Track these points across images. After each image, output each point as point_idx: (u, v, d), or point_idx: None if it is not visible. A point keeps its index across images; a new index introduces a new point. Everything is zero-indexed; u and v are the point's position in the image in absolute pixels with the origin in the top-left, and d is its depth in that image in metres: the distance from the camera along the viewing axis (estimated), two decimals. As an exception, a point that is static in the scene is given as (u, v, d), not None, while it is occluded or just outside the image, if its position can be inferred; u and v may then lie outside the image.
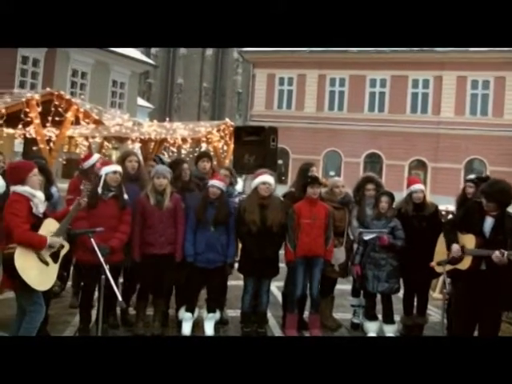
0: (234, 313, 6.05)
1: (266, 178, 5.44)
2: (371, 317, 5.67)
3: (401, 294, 5.80)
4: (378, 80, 26.27)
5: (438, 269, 4.69)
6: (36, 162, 4.76)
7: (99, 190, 4.86)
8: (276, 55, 26.06)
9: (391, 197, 5.63)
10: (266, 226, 5.29)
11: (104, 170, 4.95)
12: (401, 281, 5.65)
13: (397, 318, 5.73)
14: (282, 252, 5.57)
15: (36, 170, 4.22)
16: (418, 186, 5.61)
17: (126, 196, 5.06)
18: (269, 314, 5.84)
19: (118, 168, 5.04)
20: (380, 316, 5.71)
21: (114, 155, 17.05)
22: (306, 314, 5.71)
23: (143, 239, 5.19)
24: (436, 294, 7.19)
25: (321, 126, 26.25)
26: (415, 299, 5.72)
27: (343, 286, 6.47)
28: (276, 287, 6.71)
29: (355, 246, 5.77)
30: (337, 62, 25.91)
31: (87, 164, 5.73)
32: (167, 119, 13.29)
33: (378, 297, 5.70)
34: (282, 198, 5.90)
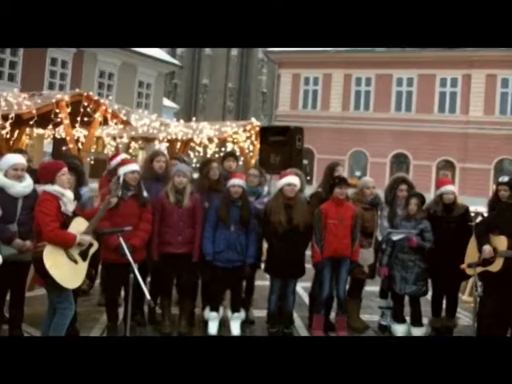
0: (260, 313, 6.04)
1: (291, 179, 5.40)
2: (399, 319, 5.60)
3: (429, 296, 5.71)
4: (405, 79, 25.96)
5: (469, 271, 4.61)
6: (69, 163, 4.84)
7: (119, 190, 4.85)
8: (301, 55, 26.01)
9: (421, 198, 5.55)
10: (292, 227, 5.26)
11: (122, 170, 4.96)
12: (429, 283, 5.58)
13: (425, 320, 5.65)
14: (308, 253, 5.55)
15: (65, 170, 4.28)
16: (450, 188, 5.52)
17: (145, 194, 5.08)
18: (295, 315, 5.81)
19: (136, 167, 5.05)
20: (408, 318, 5.63)
21: (141, 155, 17.25)
22: (333, 315, 5.67)
23: (161, 238, 5.21)
24: (466, 297, 7.06)
25: (346, 125, 26.08)
26: (444, 301, 5.63)
27: (370, 288, 6.40)
28: (302, 288, 6.68)
29: (383, 246, 5.71)
30: (363, 62, 25.71)
31: (114, 163, 5.81)
32: (193, 119, 13.34)
33: (406, 298, 5.62)
34: (308, 199, 5.88)
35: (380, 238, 5.82)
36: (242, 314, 5.44)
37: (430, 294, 5.67)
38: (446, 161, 25.39)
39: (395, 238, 5.48)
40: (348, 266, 5.43)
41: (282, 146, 8.64)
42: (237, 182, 5.28)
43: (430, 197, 5.92)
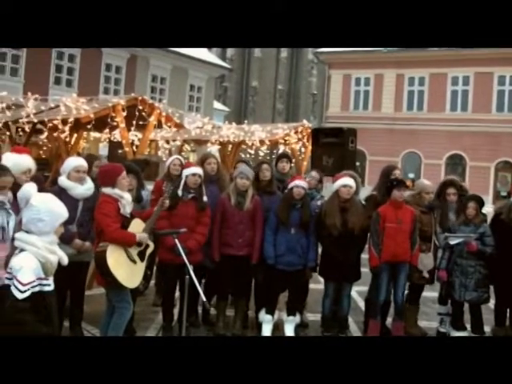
0: (313, 317, 5.97)
1: (347, 180, 5.32)
2: (459, 326, 5.40)
3: (492, 303, 5.47)
4: (461, 77, 25.15)
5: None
6: (130, 166, 4.94)
7: (179, 191, 4.94)
8: (352, 55, 25.69)
9: (479, 201, 5.33)
10: (347, 230, 5.17)
11: (184, 172, 5.04)
12: (491, 290, 5.34)
13: (487, 328, 5.41)
14: (364, 256, 5.43)
15: (124, 173, 4.38)
16: None
17: (205, 198, 5.12)
18: (349, 320, 5.71)
19: (199, 170, 5.11)
20: (468, 326, 5.41)
21: (192, 158, 17.49)
22: (389, 320, 5.52)
23: (222, 240, 5.23)
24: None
25: (399, 126, 25.53)
26: (508, 310, 5.38)
27: (428, 293, 6.20)
28: (356, 292, 6.55)
29: (440, 251, 5.53)
30: (416, 61, 25.10)
31: (167, 165, 5.92)
32: (245, 122, 13.40)
33: (467, 305, 5.41)
34: (363, 202, 5.76)
35: (437, 243, 5.62)
36: (296, 318, 5.39)
37: (493, 301, 5.44)
38: (506, 162, 24.37)
39: (453, 242, 5.30)
40: (407, 270, 5.28)
41: (334, 147, 8.51)
42: (301, 183, 5.24)
43: (488, 199, 5.68)
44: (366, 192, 6.41)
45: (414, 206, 5.48)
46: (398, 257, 5.19)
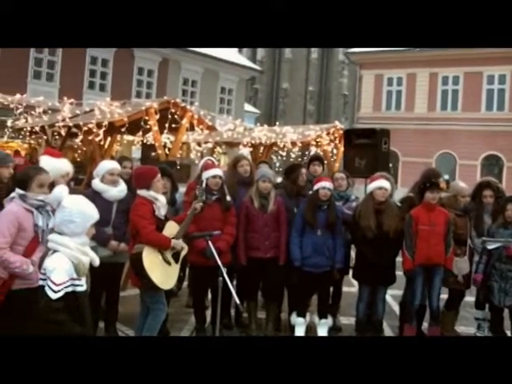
0: (346, 320, 5.90)
1: (382, 182, 5.24)
2: (498, 333, 5.24)
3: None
4: (497, 76, 24.48)
5: None
6: (164, 169, 4.98)
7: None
8: (384, 55, 25.32)
9: None
10: (382, 232, 5.09)
11: (204, 175, 5.03)
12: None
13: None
14: (398, 259, 5.33)
15: (159, 176, 4.42)
16: None
17: (228, 198, 5.11)
18: (384, 324, 5.62)
19: (218, 172, 5.09)
20: (508, 332, 5.25)
21: (223, 160, 17.57)
22: (425, 325, 5.41)
23: (248, 243, 5.22)
24: None
25: (433, 126, 25.01)
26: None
27: (466, 298, 6.01)
28: (390, 296, 6.44)
29: (476, 255, 5.38)
30: (450, 60, 24.53)
31: (198, 168, 5.94)
32: (277, 123, 13.38)
33: (506, 311, 5.24)
34: (399, 204, 5.67)
35: (472, 247, 5.48)
36: (329, 321, 5.33)
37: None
38: (545, 162, 23.62)
39: (491, 246, 5.14)
40: (441, 274, 5.16)
41: (367, 149, 8.41)
42: (327, 184, 5.19)
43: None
44: (399, 194, 6.30)
45: (449, 208, 5.35)
46: (432, 260, 5.07)
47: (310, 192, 5.61)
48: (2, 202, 3.78)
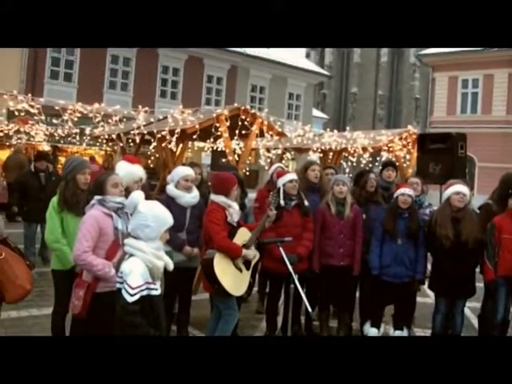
0: (421, 332, 5.68)
1: (460, 187, 5.00)
2: None
3: None
4: None
5: None
6: (236, 175, 5.02)
7: (281, 201, 4.83)
8: (458, 56, 24.37)
9: None
10: (461, 241, 4.84)
11: (281, 181, 4.98)
12: None
13: None
14: (476, 270, 5.07)
15: (237, 184, 4.46)
16: None
17: (306, 202, 5.07)
18: (462, 337, 5.34)
19: (294, 176, 5.05)
20: None
21: (291, 166, 17.53)
22: None
23: (322, 250, 5.14)
24: None
25: (512, 130, 23.77)
26: None
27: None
28: (468, 308, 6.13)
29: None
30: (530, 58, 23.25)
31: (270, 173, 5.94)
32: (347, 128, 13.18)
33: None
34: (477, 211, 5.39)
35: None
36: (404, 333, 5.15)
37: None
38: None
39: None
40: (527, 287, 4.84)
41: (442, 154, 8.05)
42: (408, 191, 5.03)
43: None
44: (476, 201, 6.00)
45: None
46: (518, 271, 4.77)
47: (382, 198, 5.47)
48: (79, 208, 3.96)
